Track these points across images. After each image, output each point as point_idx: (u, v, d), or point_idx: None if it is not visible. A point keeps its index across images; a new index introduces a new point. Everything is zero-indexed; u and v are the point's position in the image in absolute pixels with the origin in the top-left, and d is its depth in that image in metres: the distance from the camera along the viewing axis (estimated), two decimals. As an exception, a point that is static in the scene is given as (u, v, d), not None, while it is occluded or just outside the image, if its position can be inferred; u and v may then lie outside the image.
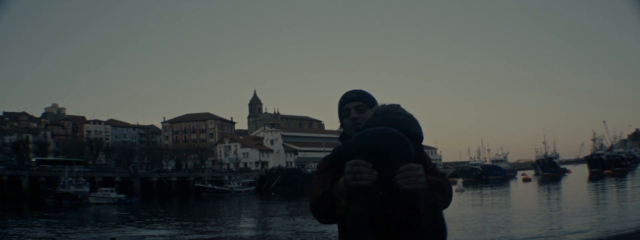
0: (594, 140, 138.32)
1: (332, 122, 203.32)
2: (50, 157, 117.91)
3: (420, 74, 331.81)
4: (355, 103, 3.21)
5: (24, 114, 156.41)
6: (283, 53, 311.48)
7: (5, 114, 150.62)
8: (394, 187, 2.41)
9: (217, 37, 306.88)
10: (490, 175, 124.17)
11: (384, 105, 2.95)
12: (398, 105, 2.92)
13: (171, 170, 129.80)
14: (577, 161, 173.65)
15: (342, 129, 3.31)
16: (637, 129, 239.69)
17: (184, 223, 45.01)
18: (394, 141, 2.48)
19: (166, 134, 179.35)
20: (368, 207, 2.40)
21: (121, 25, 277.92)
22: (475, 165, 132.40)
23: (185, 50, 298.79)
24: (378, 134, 2.52)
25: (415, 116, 2.89)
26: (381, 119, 2.72)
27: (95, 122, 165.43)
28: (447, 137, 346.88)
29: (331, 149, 3.00)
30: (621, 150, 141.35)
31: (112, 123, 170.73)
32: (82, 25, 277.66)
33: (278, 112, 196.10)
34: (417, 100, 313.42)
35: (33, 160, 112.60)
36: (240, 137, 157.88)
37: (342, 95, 3.30)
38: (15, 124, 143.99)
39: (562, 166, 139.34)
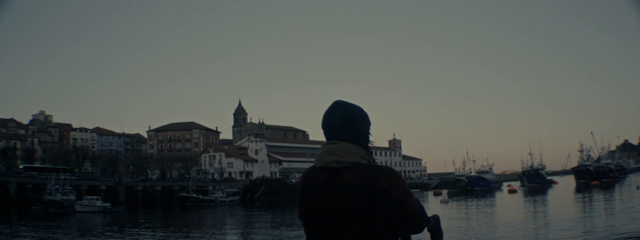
0: (581, 151, 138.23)
1: (316, 133, 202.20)
2: (37, 164, 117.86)
3: (403, 85, 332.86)
4: None
5: (12, 120, 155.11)
6: (268, 64, 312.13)
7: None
8: None
9: (203, 47, 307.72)
10: (475, 186, 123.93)
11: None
12: None
13: (156, 179, 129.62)
14: (564, 172, 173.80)
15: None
16: (626, 140, 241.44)
17: (169, 232, 44.68)
18: None
19: (151, 143, 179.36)
20: None
21: (109, 36, 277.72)
22: (460, 176, 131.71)
23: (171, 60, 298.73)
24: None
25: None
26: None
27: (81, 130, 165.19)
28: (431, 148, 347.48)
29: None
30: (609, 161, 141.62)
31: (98, 131, 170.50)
32: (71, 35, 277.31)
33: (263, 122, 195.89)
34: (400, 110, 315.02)
35: (20, 167, 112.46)
36: (225, 147, 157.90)
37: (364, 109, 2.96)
38: (4, 131, 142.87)
39: (549, 177, 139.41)
